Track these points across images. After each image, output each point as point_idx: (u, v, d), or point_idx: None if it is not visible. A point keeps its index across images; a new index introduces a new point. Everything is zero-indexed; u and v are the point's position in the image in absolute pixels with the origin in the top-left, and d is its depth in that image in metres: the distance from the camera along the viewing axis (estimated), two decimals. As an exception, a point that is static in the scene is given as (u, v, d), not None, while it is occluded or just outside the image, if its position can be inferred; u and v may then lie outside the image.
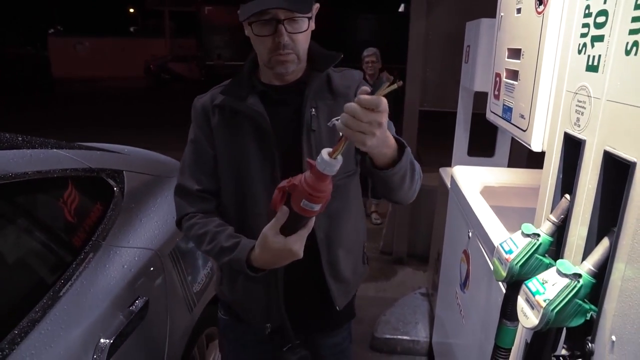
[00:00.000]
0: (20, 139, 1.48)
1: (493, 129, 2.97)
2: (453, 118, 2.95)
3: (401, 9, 22.39)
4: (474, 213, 1.66)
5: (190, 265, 1.67)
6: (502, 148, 2.92)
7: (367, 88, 0.91)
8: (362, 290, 1.20)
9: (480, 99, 2.85)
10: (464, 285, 1.80)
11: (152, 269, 1.45)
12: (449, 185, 2.35)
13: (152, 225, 1.56)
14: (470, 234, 1.72)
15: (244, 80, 1.21)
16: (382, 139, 0.92)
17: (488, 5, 2.72)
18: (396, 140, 1.01)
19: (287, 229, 1.00)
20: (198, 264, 1.75)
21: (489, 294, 1.46)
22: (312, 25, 1.15)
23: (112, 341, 1.18)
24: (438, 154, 3.89)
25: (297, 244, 1.01)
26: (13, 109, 12.40)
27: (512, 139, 2.93)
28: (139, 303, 1.32)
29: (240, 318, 1.32)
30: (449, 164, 3.04)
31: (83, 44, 24.22)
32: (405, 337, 2.72)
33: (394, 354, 2.72)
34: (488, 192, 1.85)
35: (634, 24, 0.75)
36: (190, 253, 1.69)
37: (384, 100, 0.88)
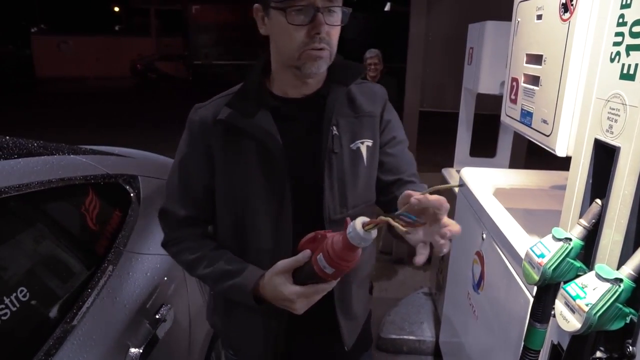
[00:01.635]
0: (35, 144, 1.46)
1: (492, 130, 3.02)
2: (450, 118, 2.98)
3: (387, 7, 22.45)
4: (488, 215, 1.68)
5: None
6: (504, 148, 2.96)
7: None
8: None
9: (479, 100, 2.89)
10: (477, 286, 1.82)
11: (173, 275, 1.45)
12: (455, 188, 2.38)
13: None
14: (484, 236, 1.74)
15: (252, 91, 1.05)
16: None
17: (488, 7, 2.76)
18: None
19: (298, 276, 0.93)
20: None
21: (508, 295, 1.49)
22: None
23: (142, 350, 1.17)
24: (435, 153, 3.94)
25: (299, 298, 0.92)
26: (-2, 108, 12.18)
27: (514, 138, 2.98)
28: (164, 310, 1.32)
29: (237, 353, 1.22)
30: (446, 163, 3.07)
31: (67, 42, 23.87)
32: (411, 337, 2.74)
33: (401, 353, 2.75)
34: (500, 194, 1.87)
35: (676, 35, 0.76)
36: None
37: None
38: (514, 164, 3.20)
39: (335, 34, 0.99)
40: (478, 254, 1.82)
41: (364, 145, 1.07)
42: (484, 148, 3.12)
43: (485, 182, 1.97)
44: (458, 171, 2.21)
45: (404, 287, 3.49)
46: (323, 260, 0.84)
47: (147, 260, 1.41)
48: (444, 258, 2.67)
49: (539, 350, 1.11)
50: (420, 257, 0.80)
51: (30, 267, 1.10)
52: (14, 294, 0.98)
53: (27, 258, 1.11)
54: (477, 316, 1.82)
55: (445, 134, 3.33)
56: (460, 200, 2.19)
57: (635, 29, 0.88)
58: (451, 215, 2.29)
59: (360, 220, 0.79)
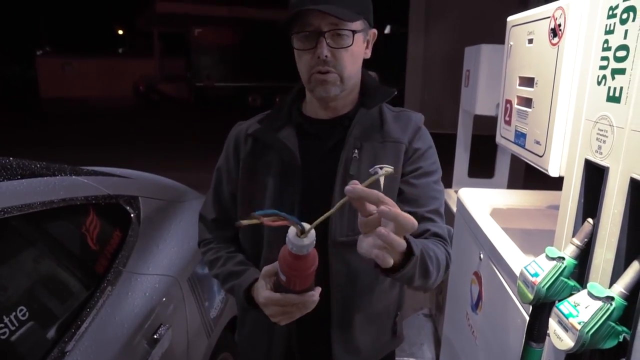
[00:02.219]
0: (38, 165, 1.48)
1: (490, 151, 3.05)
2: (448, 139, 3.01)
3: (387, 30, 22.79)
4: (485, 235, 1.69)
5: (207, 291, 1.67)
6: (502, 169, 2.99)
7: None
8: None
9: (477, 121, 2.93)
10: (475, 306, 1.83)
11: (172, 295, 1.46)
12: (452, 207, 2.39)
13: (169, 252, 1.57)
14: (481, 256, 1.75)
15: (283, 110, 1.12)
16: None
17: (483, 31, 2.82)
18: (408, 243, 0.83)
19: (275, 283, 0.91)
20: (214, 289, 1.76)
21: (505, 315, 1.49)
22: (364, 49, 1.07)
23: (139, 369, 1.18)
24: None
25: (269, 304, 0.89)
26: (1, 127, 12.29)
27: (512, 160, 3.01)
28: (162, 331, 1.33)
29: None
30: (445, 184, 3.09)
31: (71, 64, 24.19)
32: (411, 359, 2.72)
33: (401, 375, 2.73)
34: (497, 214, 1.89)
35: (657, 59, 0.79)
36: (206, 279, 1.70)
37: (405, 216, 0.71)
38: (513, 184, 3.22)
39: (345, 56, 1.00)
40: (476, 274, 1.83)
41: (383, 171, 1.05)
42: (483, 169, 3.14)
43: (483, 202, 1.99)
44: (456, 191, 2.23)
45: (404, 308, 3.48)
46: (279, 267, 0.84)
47: (147, 280, 1.42)
48: (445, 280, 2.67)
49: (536, 370, 1.12)
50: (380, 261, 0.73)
51: (30, 286, 1.11)
52: (14, 313, 1.00)
53: (27, 277, 1.12)
54: (476, 337, 1.82)
55: (444, 155, 3.37)
56: (458, 221, 2.20)
57: (619, 53, 0.91)
58: (449, 235, 2.26)
59: (293, 229, 0.79)
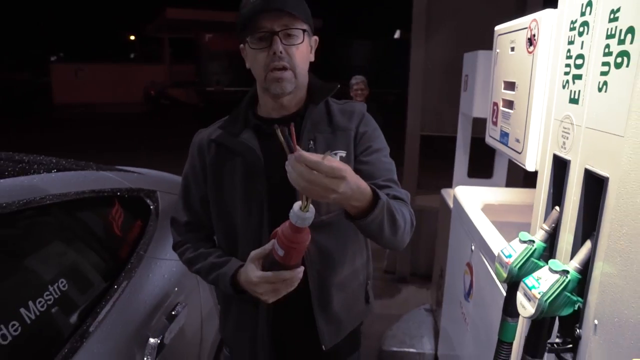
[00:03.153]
0: (64, 162, 1.65)
1: (490, 153, 3.17)
2: (450, 142, 3.15)
3: (397, 35, 22.92)
4: (475, 228, 1.83)
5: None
6: (500, 170, 3.11)
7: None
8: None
9: (477, 124, 3.06)
10: (467, 295, 1.96)
11: (188, 279, 1.61)
12: (451, 205, 2.53)
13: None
14: (472, 247, 1.89)
15: (240, 115, 1.22)
16: (344, 197, 0.89)
17: (482, 36, 2.95)
18: (373, 190, 0.98)
19: (264, 263, 1.04)
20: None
21: (492, 299, 1.62)
22: (310, 52, 1.18)
23: (159, 340, 1.33)
24: (437, 177, 4.09)
25: (261, 282, 1.00)
26: (13, 133, 12.57)
27: (509, 161, 3.13)
28: (179, 309, 1.48)
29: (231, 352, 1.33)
30: (447, 186, 3.23)
31: (84, 70, 24.55)
32: (411, 350, 2.85)
33: (401, 366, 2.86)
34: (488, 209, 2.02)
35: (603, 67, 0.93)
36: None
37: (330, 165, 0.83)
38: (512, 184, 3.34)
39: (296, 53, 1.12)
40: (468, 264, 1.97)
41: (337, 156, 1.17)
42: (483, 170, 3.27)
43: (476, 198, 2.13)
44: (454, 190, 2.36)
45: (406, 305, 3.60)
46: (277, 244, 0.95)
47: (165, 264, 1.58)
48: (444, 275, 2.80)
49: (511, 343, 1.25)
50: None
51: (65, 265, 1.27)
52: (56, 284, 1.16)
53: (63, 257, 1.28)
54: (468, 323, 1.95)
55: (446, 157, 3.49)
56: (453, 216, 2.34)
57: (578, 61, 1.05)
58: (447, 229, 2.43)
59: (297, 204, 0.91)
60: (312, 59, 1.21)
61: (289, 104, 1.20)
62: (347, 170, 0.87)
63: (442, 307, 2.63)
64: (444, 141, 3.66)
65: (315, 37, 1.22)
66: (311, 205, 0.90)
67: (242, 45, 1.18)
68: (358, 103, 1.27)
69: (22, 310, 1.04)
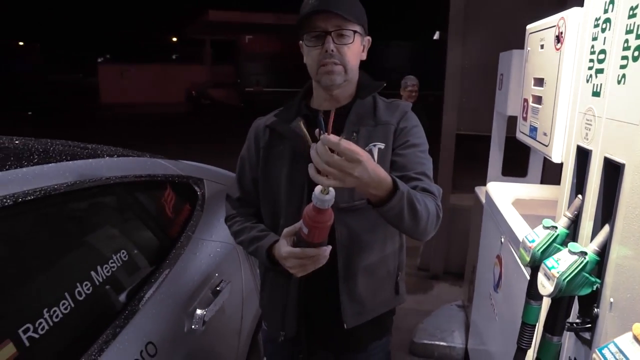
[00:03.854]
0: (120, 150, 1.81)
1: (525, 152, 3.19)
2: (486, 142, 3.18)
3: (436, 36, 22.71)
4: (505, 220, 1.89)
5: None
6: (535, 168, 3.12)
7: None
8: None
9: (512, 123, 3.09)
10: (496, 286, 2.02)
11: (231, 259, 1.75)
12: (483, 201, 2.58)
13: (227, 224, 1.86)
14: (502, 240, 1.95)
15: (294, 105, 1.34)
16: (362, 183, 0.95)
17: (519, 37, 2.98)
18: (394, 181, 1.03)
19: (294, 240, 1.12)
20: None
21: (519, 287, 1.68)
22: (362, 52, 1.28)
23: (205, 312, 1.46)
24: (472, 177, 4.10)
25: (289, 257, 1.09)
26: (64, 129, 13.22)
27: (545, 160, 3.14)
28: (223, 285, 1.61)
29: (266, 324, 1.44)
30: (480, 182, 3.26)
31: (129, 71, 25.41)
32: (442, 343, 2.91)
33: (431, 358, 2.92)
34: (519, 204, 2.07)
35: (622, 60, 1.00)
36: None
37: (347, 147, 0.91)
38: (548, 183, 3.34)
39: (347, 51, 1.22)
40: (498, 257, 2.02)
41: (376, 148, 1.27)
42: (518, 168, 3.28)
43: (507, 194, 2.18)
44: (488, 187, 2.41)
45: (438, 301, 3.65)
46: (302, 222, 1.04)
47: (210, 245, 1.71)
48: (475, 271, 2.84)
49: (534, 325, 1.32)
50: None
51: (128, 237, 1.43)
52: (118, 254, 1.31)
53: (125, 230, 1.44)
54: (497, 313, 2.01)
55: (481, 155, 3.52)
56: (485, 211, 2.39)
57: (600, 56, 1.12)
58: (479, 225, 2.49)
59: (319, 187, 0.98)
60: (364, 58, 1.30)
61: (338, 97, 1.30)
62: (365, 155, 0.94)
63: (472, 302, 2.68)
64: (480, 141, 3.69)
65: (368, 37, 1.31)
66: (332, 189, 0.97)
67: (300, 42, 1.29)
68: (403, 102, 1.36)
69: (92, 273, 1.20)
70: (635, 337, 0.74)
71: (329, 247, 1.11)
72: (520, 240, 1.65)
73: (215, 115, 18.67)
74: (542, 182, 3.16)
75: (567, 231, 1.24)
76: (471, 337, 2.70)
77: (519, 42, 2.75)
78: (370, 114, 1.29)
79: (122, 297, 1.30)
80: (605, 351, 0.78)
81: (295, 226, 1.13)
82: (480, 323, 2.44)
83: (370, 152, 1.26)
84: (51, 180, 1.18)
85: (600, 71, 1.12)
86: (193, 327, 1.43)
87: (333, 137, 0.92)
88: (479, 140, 3.70)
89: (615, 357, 0.75)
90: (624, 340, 0.76)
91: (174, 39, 35.02)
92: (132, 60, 26.28)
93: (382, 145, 1.27)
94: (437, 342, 2.92)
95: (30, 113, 18.11)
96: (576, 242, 1.23)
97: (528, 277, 1.55)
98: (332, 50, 1.20)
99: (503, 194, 2.17)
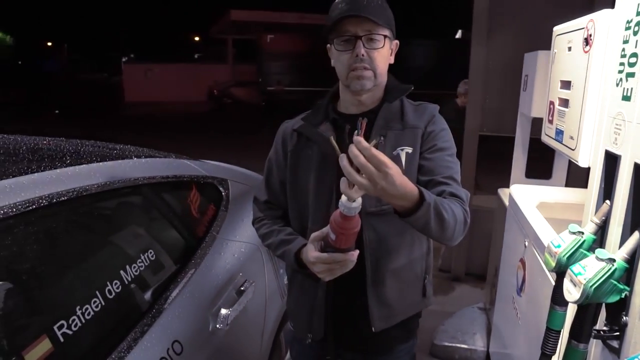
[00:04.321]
0: (147, 150, 1.85)
1: (550, 154, 3.14)
2: (509, 142, 3.14)
3: (458, 35, 22.43)
4: (529, 224, 1.87)
5: (281, 260, 1.97)
6: (560, 171, 3.08)
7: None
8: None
9: (536, 124, 3.04)
10: (520, 290, 2.00)
11: (255, 259, 1.77)
12: (507, 204, 2.55)
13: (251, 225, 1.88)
14: (526, 243, 1.93)
15: (321, 108, 1.34)
16: (387, 194, 0.96)
17: (542, 37, 2.94)
18: (420, 192, 1.03)
19: (322, 245, 1.13)
20: (287, 260, 2.06)
21: (543, 292, 1.67)
22: (390, 55, 1.28)
23: (230, 311, 1.49)
24: (495, 178, 4.05)
25: (317, 262, 1.10)
26: (89, 127, 13.49)
27: (570, 162, 3.09)
28: (247, 285, 1.63)
29: (292, 325, 1.46)
30: (503, 184, 3.22)
31: (153, 70, 25.75)
32: (463, 346, 2.89)
33: (452, 361, 2.90)
34: (544, 207, 2.05)
35: (655, 65, 0.98)
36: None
37: (376, 156, 0.91)
38: (573, 186, 3.28)
39: (377, 56, 1.22)
40: (521, 260, 2.00)
41: (404, 152, 1.27)
42: (545, 171, 3.23)
43: (532, 197, 2.15)
44: (511, 189, 2.39)
45: (459, 303, 3.62)
46: (329, 228, 1.06)
47: (235, 245, 1.74)
48: (498, 274, 2.82)
49: (559, 331, 1.30)
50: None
51: (154, 237, 1.46)
52: (146, 254, 1.34)
53: (152, 230, 1.47)
54: (520, 317, 1.99)
55: (504, 157, 3.48)
56: (509, 214, 2.37)
57: (632, 59, 1.10)
58: (502, 229, 2.47)
59: (344, 195, 0.99)
60: (392, 61, 1.30)
61: (366, 101, 1.30)
62: (393, 168, 0.94)
63: (495, 305, 2.66)
64: (502, 142, 3.64)
65: (396, 41, 1.31)
66: (360, 198, 0.99)
67: (328, 46, 1.29)
68: (431, 104, 1.35)
69: (122, 272, 1.23)
70: (665, 348, 0.73)
71: (357, 252, 1.11)
72: (545, 244, 1.64)
73: (237, 114, 18.82)
74: (566, 185, 3.11)
75: (594, 237, 1.22)
76: (493, 341, 2.68)
77: (544, 42, 2.72)
78: (398, 118, 1.29)
79: (150, 296, 1.33)
80: (635, 361, 0.77)
81: (322, 231, 1.13)
82: (502, 326, 2.42)
83: (398, 156, 1.25)
84: (83, 181, 1.22)
85: (631, 75, 1.10)
86: (218, 326, 1.46)
87: (365, 142, 0.93)
88: (501, 141, 3.66)
89: (644, 367, 0.74)
90: (654, 351, 0.75)
91: (197, 39, 35.41)
92: (155, 60, 26.64)
93: (409, 150, 1.27)
94: (458, 345, 2.90)
95: (57, 112, 18.55)
96: (603, 248, 1.21)
97: (553, 283, 1.54)
98: (363, 55, 1.20)
99: (527, 196, 2.15)
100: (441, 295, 3.79)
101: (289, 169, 1.35)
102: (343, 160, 0.95)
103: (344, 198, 0.99)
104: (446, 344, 2.92)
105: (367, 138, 1.10)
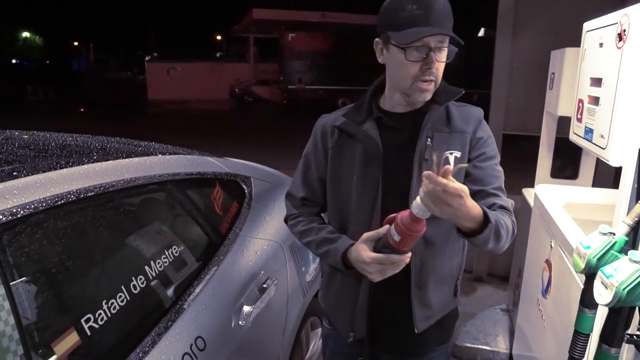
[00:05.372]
0: (170, 147, 1.87)
1: (576, 154, 3.07)
2: (535, 142, 3.08)
3: (481, 33, 22.15)
4: (556, 224, 1.83)
5: (304, 258, 1.98)
6: (587, 171, 3.00)
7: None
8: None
9: (562, 123, 2.97)
10: (545, 291, 1.96)
11: (277, 257, 1.78)
12: (532, 204, 2.50)
13: (274, 223, 1.88)
14: (552, 244, 1.89)
15: (364, 105, 1.29)
16: (457, 215, 1.00)
17: (569, 35, 2.87)
18: (484, 213, 1.06)
19: (376, 246, 1.14)
20: (309, 258, 2.06)
21: (571, 295, 1.63)
22: None
23: (252, 308, 1.49)
24: (519, 178, 3.98)
25: (372, 262, 1.12)
26: (116, 125, 13.73)
27: (597, 162, 3.02)
28: (269, 282, 1.64)
29: (331, 324, 1.43)
30: (529, 184, 3.16)
31: (175, 68, 26.09)
32: (485, 347, 2.85)
33: (474, 362, 2.86)
34: (570, 208, 2.00)
35: (693, 61, 0.95)
36: (304, 248, 2.00)
37: (452, 186, 0.94)
38: (600, 186, 3.21)
39: (441, 68, 1.19)
40: (547, 261, 1.96)
41: (452, 156, 1.25)
42: (571, 171, 3.16)
43: (558, 197, 2.11)
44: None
45: (482, 304, 3.57)
46: (393, 230, 1.06)
47: (257, 242, 1.75)
48: (521, 275, 2.77)
49: (589, 335, 1.27)
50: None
51: (179, 233, 1.48)
52: (170, 250, 1.36)
53: (176, 226, 1.49)
54: (545, 320, 1.95)
55: (527, 159, 3.41)
56: (534, 214, 2.33)
57: (667, 56, 1.07)
58: (526, 227, 2.42)
59: (419, 198, 1.01)
60: None
61: (417, 104, 1.26)
62: (465, 191, 0.97)
63: (518, 307, 2.61)
64: (528, 141, 3.58)
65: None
66: None
67: (377, 39, 1.23)
68: (476, 108, 1.32)
69: (146, 267, 1.25)
70: None
71: (410, 254, 1.13)
72: (573, 246, 1.60)
73: (259, 112, 18.93)
74: (593, 186, 3.04)
75: (626, 239, 1.19)
76: (516, 343, 2.63)
77: (571, 40, 2.66)
78: (444, 120, 1.27)
79: (173, 292, 1.34)
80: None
81: (378, 232, 1.14)
82: (526, 328, 2.37)
83: (447, 159, 1.24)
84: (110, 177, 1.24)
85: (666, 71, 1.06)
86: (240, 323, 1.46)
87: (437, 178, 0.94)
88: (526, 140, 3.59)
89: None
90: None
91: (219, 38, 35.72)
92: (178, 59, 26.99)
93: (458, 154, 1.25)
94: (480, 346, 2.86)
95: (82, 110, 18.94)
96: (637, 250, 1.18)
97: (581, 285, 1.50)
98: (434, 69, 1.17)
99: (553, 196, 2.10)
100: (463, 296, 3.74)
101: (330, 166, 1.32)
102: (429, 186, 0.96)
103: (418, 199, 1.01)
104: (468, 345, 2.88)
105: (415, 137, 1.20)
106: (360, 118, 1.28)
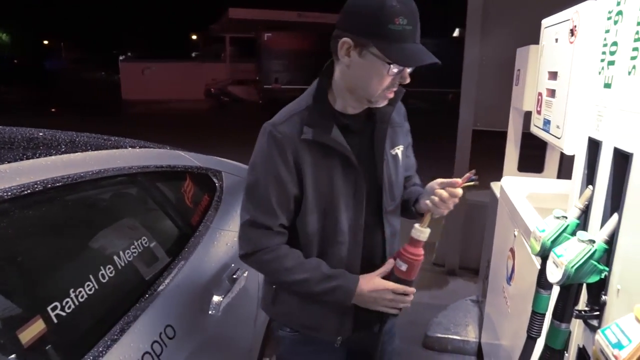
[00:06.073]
0: (142, 142, 1.87)
1: (542, 148, 3.17)
2: (504, 138, 3.17)
3: (456, 33, 22.49)
4: (518, 213, 1.90)
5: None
6: (551, 164, 3.10)
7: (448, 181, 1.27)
8: (416, 297, 1.34)
9: (529, 119, 3.07)
10: (510, 279, 2.03)
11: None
12: (498, 195, 2.58)
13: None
14: (515, 233, 1.96)
15: (324, 110, 1.22)
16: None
17: (536, 32, 2.96)
18: None
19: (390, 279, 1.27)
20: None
21: (530, 279, 1.69)
22: None
23: (222, 298, 1.51)
24: (489, 173, 4.08)
25: (391, 290, 1.25)
26: (90, 125, 13.49)
27: (562, 156, 3.12)
28: (239, 273, 1.66)
29: (312, 332, 1.37)
30: (496, 178, 3.25)
31: (150, 68, 25.72)
32: (456, 337, 2.92)
33: (445, 352, 2.93)
34: (533, 198, 2.08)
35: (633, 52, 1.01)
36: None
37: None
38: (567, 178, 3.31)
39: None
40: (511, 250, 2.03)
41: (400, 151, 1.35)
42: (535, 165, 3.26)
43: (521, 188, 2.18)
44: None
45: (454, 296, 3.65)
46: (399, 260, 1.21)
47: (228, 235, 1.77)
48: (490, 266, 2.85)
49: (544, 314, 1.33)
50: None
51: (149, 224, 1.49)
52: (140, 240, 1.37)
53: (146, 217, 1.50)
54: (509, 305, 2.02)
55: (497, 155, 3.51)
56: (500, 205, 2.40)
57: (612, 48, 1.13)
58: (494, 220, 2.50)
59: (416, 223, 1.23)
60: None
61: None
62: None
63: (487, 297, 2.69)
64: (498, 137, 3.67)
65: None
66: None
67: (345, 39, 1.15)
68: (399, 102, 1.37)
69: (115, 257, 1.26)
70: (636, 318, 0.76)
71: (414, 290, 1.28)
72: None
73: (234, 112, 18.84)
74: (558, 178, 3.14)
75: (577, 221, 1.25)
76: (484, 331, 2.71)
77: (537, 37, 2.76)
78: (389, 118, 1.31)
79: (143, 282, 1.35)
80: (607, 332, 0.80)
81: (384, 269, 1.27)
82: (493, 316, 2.45)
83: (396, 155, 1.34)
84: (78, 169, 1.24)
85: (612, 63, 1.13)
86: (210, 312, 1.48)
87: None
88: (495, 136, 3.69)
89: (616, 336, 0.77)
90: (625, 321, 0.78)
91: (194, 37, 35.35)
92: (152, 58, 26.61)
93: (402, 148, 1.37)
94: (450, 336, 2.94)
95: (54, 110, 18.55)
96: (586, 231, 1.24)
97: (539, 268, 1.57)
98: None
99: (517, 188, 2.18)
100: (436, 289, 3.83)
101: (308, 184, 1.22)
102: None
103: (416, 225, 1.21)
104: (439, 335, 2.95)
105: (372, 134, 1.29)
106: (328, 127, 1.20)
